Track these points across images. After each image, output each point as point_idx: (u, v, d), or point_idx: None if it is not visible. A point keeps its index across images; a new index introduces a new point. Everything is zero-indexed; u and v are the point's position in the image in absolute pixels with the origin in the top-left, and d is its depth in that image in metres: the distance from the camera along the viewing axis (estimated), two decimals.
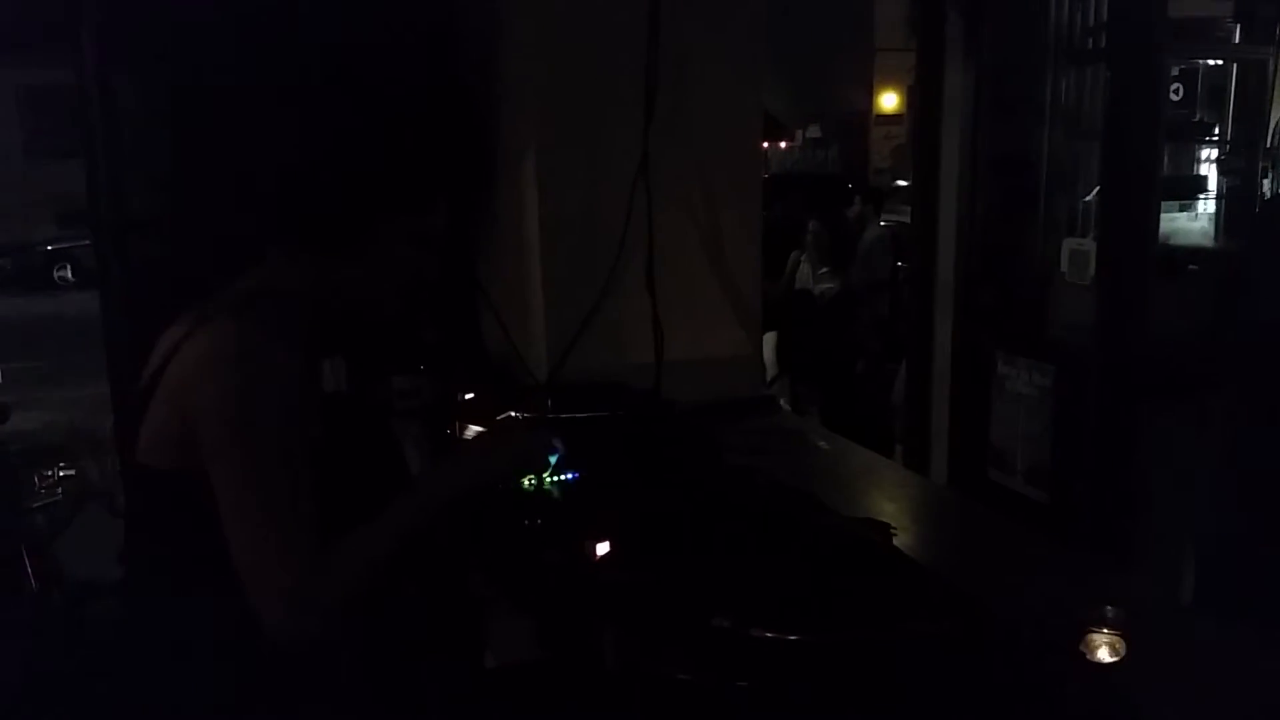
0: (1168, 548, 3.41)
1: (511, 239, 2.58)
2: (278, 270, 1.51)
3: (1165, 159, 4.02)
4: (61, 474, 4.40)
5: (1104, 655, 1.22)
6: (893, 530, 1.57)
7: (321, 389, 1.54)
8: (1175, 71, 4.51)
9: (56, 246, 16.31)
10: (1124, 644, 1.23)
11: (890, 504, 1.93)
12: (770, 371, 5.41)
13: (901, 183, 12.23)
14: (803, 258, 6.43)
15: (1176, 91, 4.52)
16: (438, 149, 1.55)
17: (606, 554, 1.38)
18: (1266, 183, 4.54)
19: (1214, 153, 4.83)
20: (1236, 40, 4.60)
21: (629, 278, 2.41)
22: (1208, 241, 4.64)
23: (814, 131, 18.31)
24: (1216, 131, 4.70)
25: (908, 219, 6.44)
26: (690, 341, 2.46)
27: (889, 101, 17.34)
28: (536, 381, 2.46)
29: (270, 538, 1.32)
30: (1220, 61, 4.72)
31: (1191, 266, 3.99)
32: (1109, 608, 1.25)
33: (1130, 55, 3.31)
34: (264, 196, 1.53)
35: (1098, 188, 3.55)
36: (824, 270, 6.32)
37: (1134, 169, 3.32)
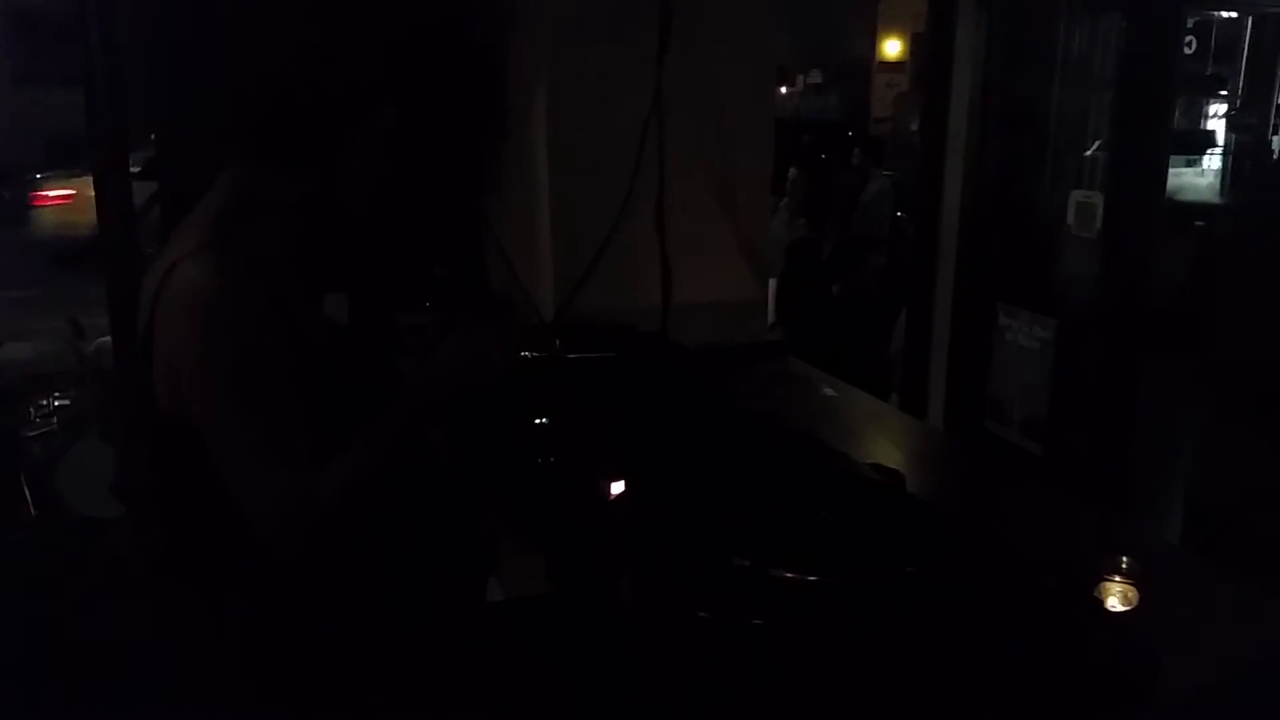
0: (1161, 505, 3.44)
1: (520, 174, 2.54)
2: (242, 189, 1.50)
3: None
4: (56, 403, 4.39)
5: (1117, 604, 1.23)
6: (902, 476, 1.57)
7: (303, 309, 1.54)
8: (1189, 24, 4.43)
9: (45, 176, 16.08)
10: (1137, 593, 1.24)
11: (898, 451, 1.94)
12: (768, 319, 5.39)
13: None
14: (781, 205, 6.35)
15: (1190, 44, 4.45)
16: (391, 46, 1.53)
17: (620, 493, 1.38)
18: (1277, 139, 4.49)
19: (1224, 108, 4.78)
20: None
21: (638, 217, 2.38)
22: (1214, 197, 4.61)
23: (815, 77, 18.06)
24: (1228, 86, 4.64)
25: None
26: (698, 284, 2.44)
27: (892, 48, 17.10)
28: (543, 320, 2.44)
29: (258, 469, 1.37)
30: (1235, 14, 4.65)
31: (1198, 223, 3.96)
32: (1123, 558, 1.26)
33: (1146, 5, 3.25)
34: (229, 110, 1.50)
35: (1098, 141, 3.52)
36: (800, 222, 6.25)
37: (1145, 122, 3.28)
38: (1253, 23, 4.54)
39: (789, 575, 1.10)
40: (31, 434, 4.11)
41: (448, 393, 1.51)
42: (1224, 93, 4.63)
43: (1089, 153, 3.61)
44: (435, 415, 1.56)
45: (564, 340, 2.01)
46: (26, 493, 3.37)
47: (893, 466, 1.60)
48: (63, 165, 15.64)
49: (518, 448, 1.69)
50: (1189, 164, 4.74)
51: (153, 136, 2.91)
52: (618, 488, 1.39)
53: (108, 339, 3.92)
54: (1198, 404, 3.45)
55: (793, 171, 6.21)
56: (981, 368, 3.83)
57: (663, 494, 1.41)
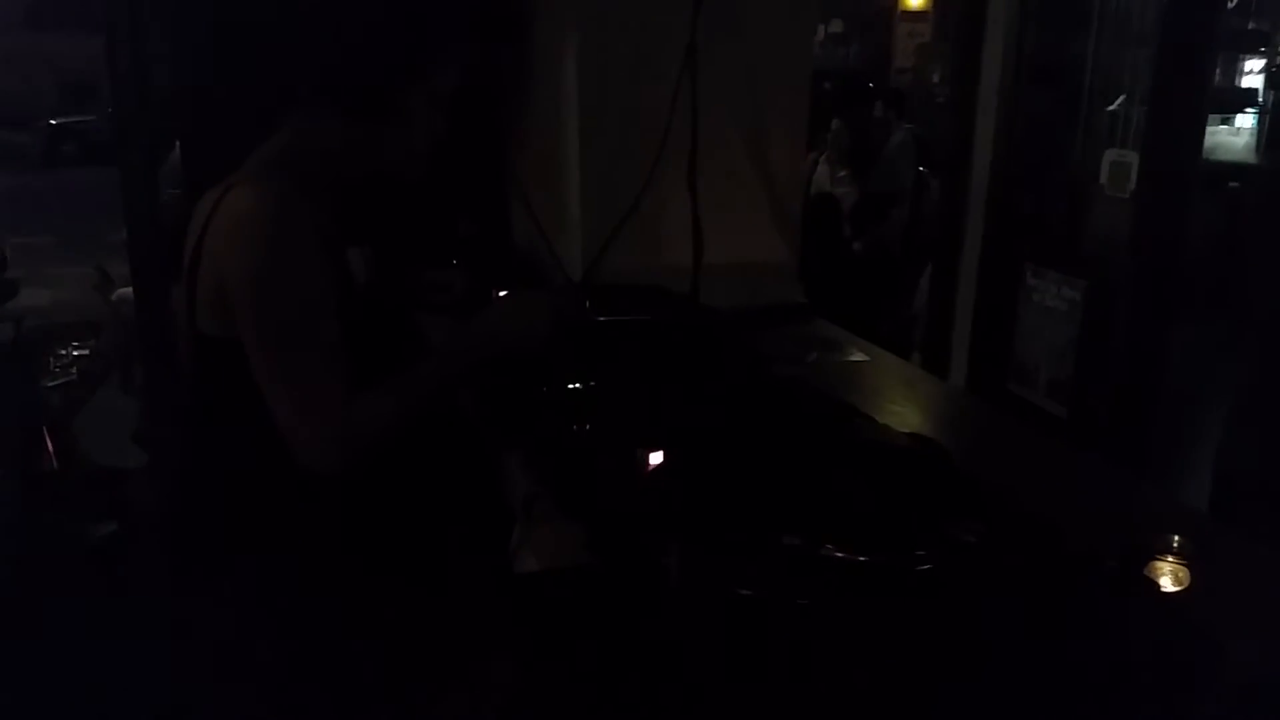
0: (1187, 470, 3.41)
1: (548, 129, 2.49)
2: (302, 137, 1.54)
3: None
4: (76, 353, 4.40)
5: (1170, 585, 1.20)
6: (945, 449, 1.54)
7: (344, 253, 1.55)
8: None
9: (61, 121, 15.99)
10: (1188, 573, 1.21)
11: (935, 419, 1.91)
12: None
13: None
14: (821, 159, 6.24)
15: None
16: (461, 6, 1.52)
17: (659, 465, 1.36)
18: None
19: (1260, 63, 4.66)
20: None
21: (670, 175, 2.33)
22: (1249, 157, 4.51)
23: (836, 26, 17.78)
24: (1270, 41, 4.51)
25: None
26: (729, 244, 2.39)
27: None
28: (570, 280, 2.40)
29: (301, 386, 1.40)
30: None
31: (1233, 183, 3.88)
32: (1175, 537, 1.23)
33: None
34: (293, 58, 1.53)
35: (1123, 95, 3.45)
36: (843, 174, 6.15)
37: (1184, 79, 3.19)
38: None
39: (839, 555, 1.08)
40: (52, 384, 4.12)
41: (489, 354, 1.56)
42: (1263, 49, 4.50)
43: (1112, 108, 3.55)
44: (471, 374, 1.59)
45: (593, 301, 1.97)
46: (49, 443, 3.37)
47: (932, 437, 1.57)
48: (77, 110, 15.62)
49: (547, 411, 1.66)
50: (1224, 122, 4.63)
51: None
52: (657, 458, 1.36)
53: (129, 289, 3.91)
54: (1227, 368, 3.40)
55: (836, 123, 6.08)
56: (1007, 328, 3.79)
57: (701, 465, 1.38)
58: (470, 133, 2.61)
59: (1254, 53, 4.45)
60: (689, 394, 1.60)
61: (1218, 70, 4.25)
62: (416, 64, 1.50)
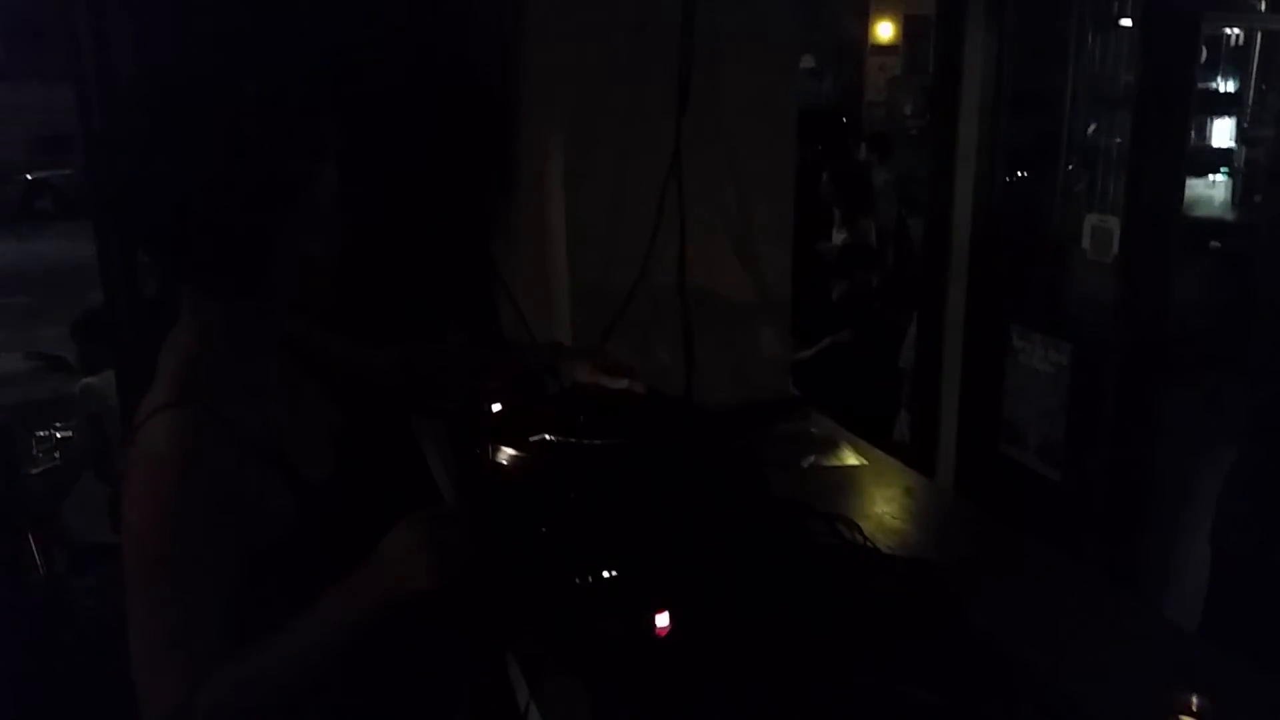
0: (1181, 530, 3.40)
1: (535, 235, 2.48)
2: (201, 328, 1.36)
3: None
4: (59, 436, 4.25)
5: None
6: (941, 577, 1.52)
7: (293, 432, 1.41)
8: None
9: (36, 176, 15.81)
10: None
11: (941, 538, 1.88)
12: None
13: None
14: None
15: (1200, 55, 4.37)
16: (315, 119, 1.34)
17: (666, 626, 1.33)
18: None
19: (1230, 120, 4.71)
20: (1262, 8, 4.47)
21: (658, 277, 2.32)
22: (1226, 212, 4.55)
23: (808, 62, 17.94)
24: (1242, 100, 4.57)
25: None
26: (719, 343, 2.39)
27: (884, 32, 17.00)
28: (561, 386, 2.38)
29: (162, 656, 1.20)
30: (1241, 32, 4.59)
31: (1214, 243, 3.90)
32: (1195, 696, 1.22)
33: (1165, 20, 3.17)
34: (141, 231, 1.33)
35: (1094, 123, 3.47)
36: (838, 220, 6.18)
37: (1163, 142, 3.22)
38: (1262, 37, 4.48)
39: None
40: (35, 470, 3.99)
41: (383, 604, 1.27)
42: (1233, 108, 4.56)
43: (1090, 131, 3.56)
44: (370, 627, 1.27)
45: (587, 416, 1.94)
46: (33, 547, 3.25)
47: (930, 559, 1.55)
48: (48, 166, 15.45)
49: (545, 557, 1.61)
50: (1197, 177, 4.67)
51: None
52: (663, 620, 1.34)
53: (92, 380, 3.84)
54: (1215, 431, 3.41)
55: (825, 176, 6.13)
56: (995, 390, 3.79)
57: (703, 622, 1.36)
58: (455, 238, 2.61)
59: (1224, 111, 4.50)
60: (691, 535, 1.57)
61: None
62: (273, 213, 1.27)
